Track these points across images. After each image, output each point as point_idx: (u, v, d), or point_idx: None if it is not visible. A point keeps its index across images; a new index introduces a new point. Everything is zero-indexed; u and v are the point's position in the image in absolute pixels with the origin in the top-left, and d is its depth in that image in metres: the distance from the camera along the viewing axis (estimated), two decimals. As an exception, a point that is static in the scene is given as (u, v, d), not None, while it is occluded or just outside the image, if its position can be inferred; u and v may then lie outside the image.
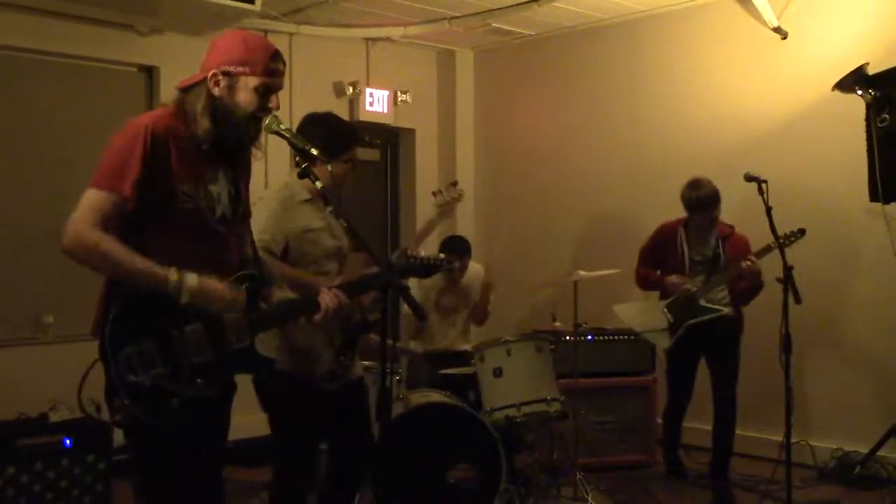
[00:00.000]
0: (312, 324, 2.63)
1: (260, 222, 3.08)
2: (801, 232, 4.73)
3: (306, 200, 3.34)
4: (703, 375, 5.18)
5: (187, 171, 2.43)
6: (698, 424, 5.41)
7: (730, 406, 5.01)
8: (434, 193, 3.83)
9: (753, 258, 4.72)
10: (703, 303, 4.90)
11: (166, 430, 2.34)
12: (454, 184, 3.85)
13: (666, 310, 5.03)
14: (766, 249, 4.64)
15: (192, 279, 2.35)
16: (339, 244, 3.39)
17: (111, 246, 2.32)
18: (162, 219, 2.40)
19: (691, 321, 4.91)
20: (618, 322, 5.40)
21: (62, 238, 2.35)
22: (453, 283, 5.38)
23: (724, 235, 5.00)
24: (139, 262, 2.32)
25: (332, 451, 3.45)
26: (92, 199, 2.36)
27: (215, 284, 2.39)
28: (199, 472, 2.48)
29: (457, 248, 5.32)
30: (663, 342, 5.06)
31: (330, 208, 3.27)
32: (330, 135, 3.37)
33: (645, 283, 5.26)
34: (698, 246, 5.03)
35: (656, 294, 5.23)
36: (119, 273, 2.34)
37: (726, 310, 4.92)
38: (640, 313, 5.17)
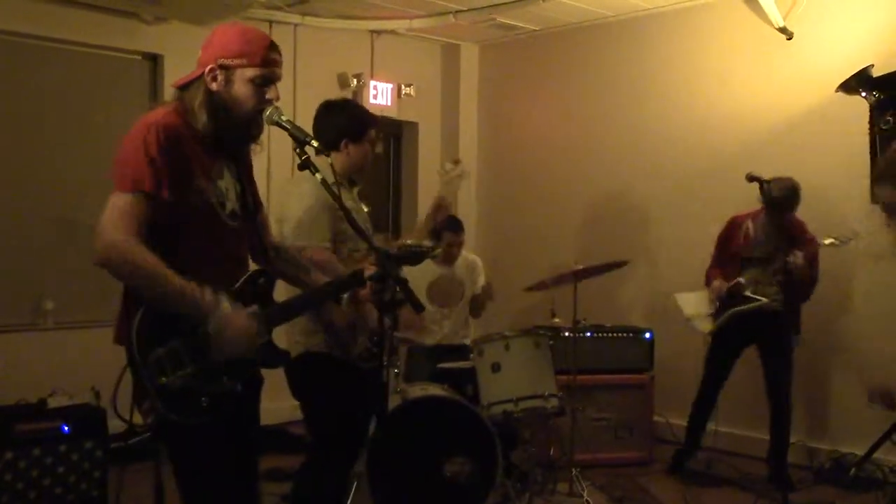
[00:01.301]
0: (356, 300, 2.65)
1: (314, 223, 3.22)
2: (854, 234, 4.80)
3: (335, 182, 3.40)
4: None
5: (198, 166, 2.42)
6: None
7: (782, 408, 5.01)
8: (439, 173, 3.93)
9: (799, 253, 4.73)
10: (747, 293, 4.94)
11: (199, 428, 2.34)
12: (457, 161, 3.94)
13: (716, 298, 5.12)
14: (834, 243, 4.69)
15: (226, 306, 2.31)
16: (367, 225, 3.46)
17: (147, 258, 2.24)
18: (175, 216, 2.37)
19: (733, 309, 4.97)
20: (615, 319, 5.40)
21: (95, 249, 2.24)
22: (451, 261, 5.37)
23: (794, 235, 4.97)
24: (175, 280, 2.25)
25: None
26: (120, 204, 2.27)
27: (244, 319, 2.36)
28: (233, 467, 2.49)
29: (455, 224, 5.37)
30: (705, 326, 5.14)
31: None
32: (352, 118, 3.51)
33: (707, 282, 5.27)
34: (761, 241, 5.03)
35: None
36: (153, 288, 2.26)
37: (766, 300, 4.93)
38: (695, 300, 5.27)
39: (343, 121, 3.47)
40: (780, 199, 4.82)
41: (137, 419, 2.39)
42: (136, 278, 2.27)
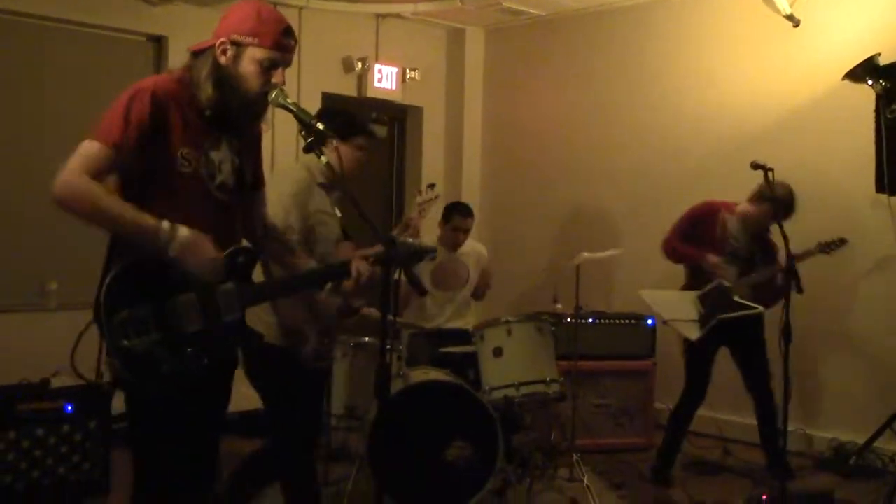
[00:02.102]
0: (310, 299, 2.67)
1: (281, 202, 3.18)
2: (842, 242, 4.74)
3: (321, 184, 3.43)
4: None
5: (188, 135, 2.43)
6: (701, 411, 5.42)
7: (771, 399, 4.93)
8: (416, 195, 4.08)
9: (782, 264, 4.60)
10: (737, 298, 4.79)
11: (159, 397, 2.37)
12: (431, 186, 4.05)
13: (698, 301, 4.90)
14: (807, 253, 4.59)
15: (184, 231, 2.33)
16: (339, 231, 3.45)
17: (101, 193, 2.28)
18: (161, 183, 2.40)
19: (723, 315, 4.80)
20: (618, 305, 5.41)
21: (52, 187, 2.29)
22: (456, 245, 5.37)
23: (765, 240, 4.92)
24: (130, 211, 2.30)
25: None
26: (85, 149, 2.32)
27: (206, 242, 2.37)
28: (189, 440, 2.49)
29: (464, 208, 5.39)
30: (692, 333, 4.88)
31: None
32: (345, 119, 3.55)
33: (675, 253, 5.02)
34: (738, 237, 4.92)
35: (687, 283, 5.10)
36: (109, 221, 2.31)
37: (760, 308, 4.78)
38: (670, 301, 5.03)
39: (336, 121, 3.43)
40: (790, 201, 4.70)
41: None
42: (92, 213, 2.30)
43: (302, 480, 3.44)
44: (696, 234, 4.97)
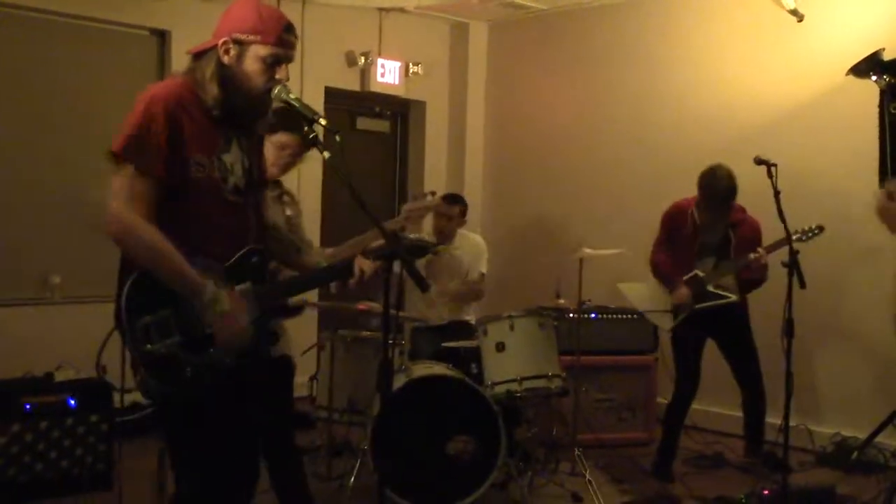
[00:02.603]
0: (349, 287, 2.67)
1: None
2: (819, 229, 4.70)
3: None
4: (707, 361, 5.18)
5: (200, 140, 2.43)
6: (696, 406, 5.43)
7: (758, 380, 4.94)
8: (415, 197, 3.93)
9: (763, 251, 4.67)
10: (710, 288, 4.83)
11: (188, 400, 2.37)
12: (433, 193, 3.91)
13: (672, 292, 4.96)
14: (779, 244, 4.58)
15: (225, 301, 2.37)
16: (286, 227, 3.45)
17: (159, 239, 2.30)
18: (176, 188, 2.39)
19: (697, 306, 4.85)
20: (620, 300, 5.41)
21: (106, 223, 2.31)
22: (444, 236, 5.36)
23: (735, 222, 4.91)
24: (181, 262, 2.32)
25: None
26: (129, 184, 2.32)
27: (242, 312, 2.41)
28: (224, 442, 2.48)
29: (449, 196, 5.41)
30: (665, 324, 5.00)
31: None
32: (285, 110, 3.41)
33: (657, 270, 5.08)
34: (709, 228, 4.93)
35: None
36: (159, 266, 2.33)
37: (734, 297, 4.82)
38: (646, 293, 5.11)
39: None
40: (722, 193, 4.72)
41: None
42: (146, 257, 2.33)
43: None
44: (672, 237, 5.02)
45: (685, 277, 4.90)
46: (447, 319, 5.33)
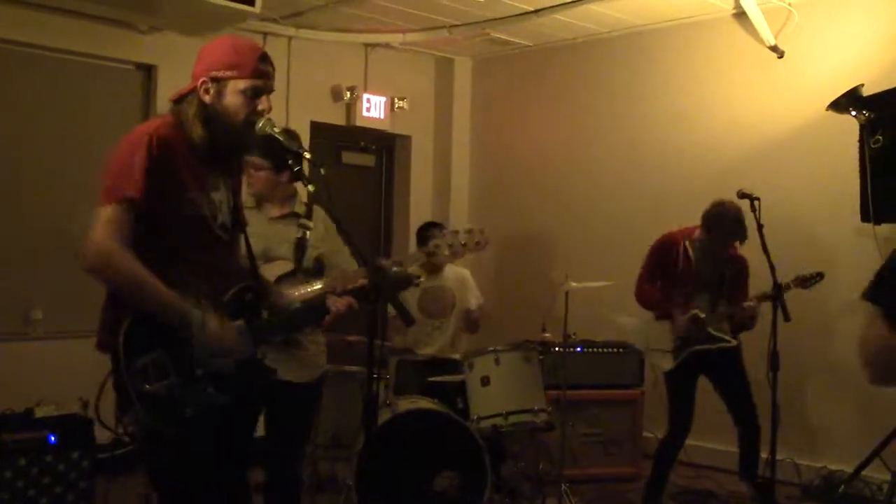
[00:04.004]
0: (322, 327, 2.65)
1: None
2: (819, 276, 4.68)
3: (248, 208, 3.39)
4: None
5: (192, 177, 2.43)
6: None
7: (754, 416, 4.82)
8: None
9: (755, 302, 4.63)
10: (711, 331, 4.72)
11: (182, 440, 2.34)
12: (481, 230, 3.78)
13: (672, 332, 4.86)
14: (767, 296, 4.48)
15: (212, 323, 2.35)
16: (259, 250, 3.32)
17: (137, 266, 2.28)
18: (167, 226, 2.39)
19: (697, 347, 4.75)
20: (609, 333, 5.40)
21: (83, 258, 2.29)
22: (437, 269, 5.33)
23: (728, 258, 4.83)
24: (162, 289, 2.30)
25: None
26: (107, 214, 2.30)
27: (230, 332, 2.40)
28: (217, 481, 2.46)
29: (441, 226, 5.31)
30: (665, 364, 4.87)
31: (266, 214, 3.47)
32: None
33: (646, 301, 4.99)
34: (702, 263, 4.83)
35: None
36: (140, 295, 2.31)
37: (734, 342, 4.75)
38: (645, 330, 5.00)
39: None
40: (738, 225, 4.61)
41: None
42: (122, 284, 2.31)
43: None
44: (662, 270, 4.92)
45: (686, 316, 4.78)
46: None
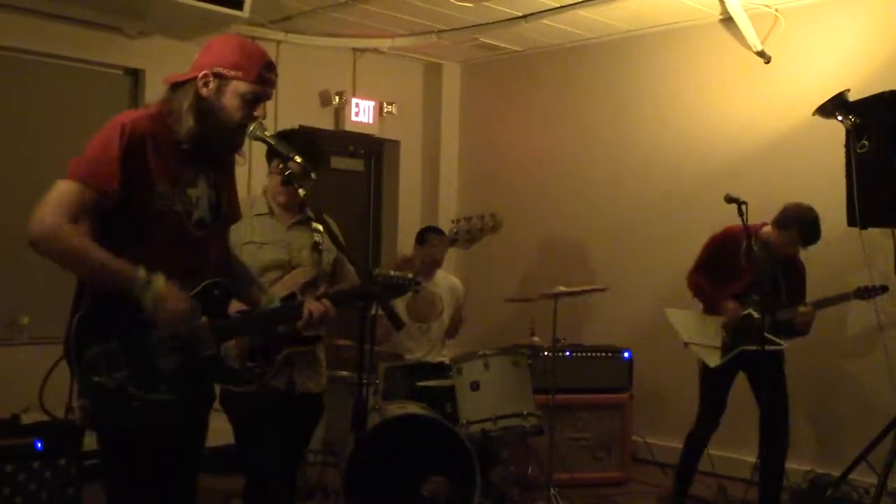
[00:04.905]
0: (294, 330, 2.63)
1: None
2: (884, 289, 4.66)
3: (261, 214, 3.50)
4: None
5: (164, 171, 2.41)
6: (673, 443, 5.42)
7: (785, 427, 4.74)
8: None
9: (810, 307, 4.62)
10: (766, 333, 4.53)
11: (132, 434, 2.33)
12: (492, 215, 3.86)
13: (723, 327, 4.78)
14: (842, 297, 4.50)
15: (160, 283, 2.31)
16: (287, 258, 3.45)
17: (78, 238, 2.25)
18: (136, 219, 2.38)
19: (747, 346, 4.66)
20: (595, 338, 5.41)
21: (28, 228, 2.25)
22: (431, 272, 5.33)
23: (789, 259, 4.77)
24: (107, 258, 2.27)
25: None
26: (64, 191, 2.28)
27: (180, 296, 2.35)
28: (164, 479, 2.43)
29: (439, 230, 5.38)
30: (712, 359, 4.76)
31: (294, 219, 3.51)
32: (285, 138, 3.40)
33: (697, 291, 4.90)
34: (761, 263, 4.70)
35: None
36: (85, 268, 2.29)
37: (785, 344, 4.68)
38: (694, 324, 4.91)
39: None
40: (818, 229, 4.54)
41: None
42: (68, 258, 2.27)
43: None
44: (718, 264, 4.83)
45: (740, 315, 4.73)
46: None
